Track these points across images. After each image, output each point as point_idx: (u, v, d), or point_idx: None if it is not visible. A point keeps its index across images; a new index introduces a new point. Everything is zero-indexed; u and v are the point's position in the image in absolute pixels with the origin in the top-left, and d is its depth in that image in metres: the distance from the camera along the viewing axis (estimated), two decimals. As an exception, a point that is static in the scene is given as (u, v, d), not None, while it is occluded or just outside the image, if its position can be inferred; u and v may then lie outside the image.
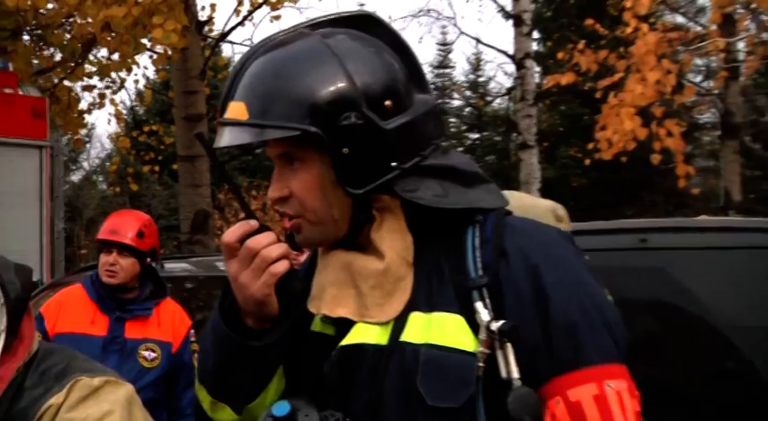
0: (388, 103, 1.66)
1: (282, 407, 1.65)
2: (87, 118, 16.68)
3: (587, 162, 12.89)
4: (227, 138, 1.68)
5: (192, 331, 4.83)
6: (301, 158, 1.68)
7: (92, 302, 4.66)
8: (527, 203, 1.93)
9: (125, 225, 4.70)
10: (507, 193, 2.00)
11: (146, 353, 4.61)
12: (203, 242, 11.78)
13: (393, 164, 1.66)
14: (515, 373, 1.55)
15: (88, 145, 28.19)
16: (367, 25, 1.77)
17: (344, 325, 1.68)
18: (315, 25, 1.76)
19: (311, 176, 1.68)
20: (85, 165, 29.33)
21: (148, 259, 4.74)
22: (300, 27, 1.75)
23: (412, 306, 1.64)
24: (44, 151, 10.05)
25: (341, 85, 1.64)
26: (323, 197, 1.68)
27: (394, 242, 1.67)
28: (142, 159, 18.02)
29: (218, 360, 1.74)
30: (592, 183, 20.47)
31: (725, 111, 15.32)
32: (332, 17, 1.78)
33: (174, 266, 6.93)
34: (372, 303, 1.66)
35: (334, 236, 1.71)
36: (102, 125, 48.32)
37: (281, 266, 1.66)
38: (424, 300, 1.64)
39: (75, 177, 27.16)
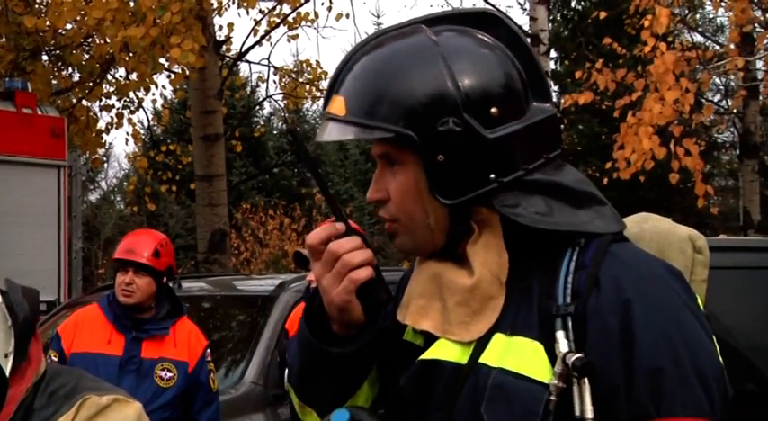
0: (494, 110, 1.55)
1: (341, 416, 1.60)
2: (105, 137, 16.75)
3: (605, 181, 12.85)
4: (326, 132, 1.61)
5: (209, 350, 4.82)
6: (400, 161, 1.59)
7: (108, 322, 4.65)
8: (664, 229, 1.80)
9: (141, 244, 4.69)
10: (644, 216, 1.89)
11: (162, 373, 4.60)
12: (220, 261, 11.79)
13: (491, 176, 1.55)
14: (589, 413, 1.43)
15: (106, 164, 28.29)
16: (488, 24, 1.65)
17: (433, 337, 1.60)
18: (430, 21, 1.64)
19: (408, 180, 1.58)
20: (103, 184, 29.42)
21: (165, 278, 4.73)
22: (414, 22, 1.64)
23: (497, 327, 1.54)
24: (62, 171, 10.08)
25: (441, 87, 1.53)
26: (419, 203, 1.58)
27: (488, 258, 1.56)
28: (159, 179, 18.03)
29: (302, 363, 1.69)
30: (610, 202, 20.36)
31: (744, 130, 15.29)
32: (450, 13, 1.67)
33: (192, 286, 6.93)
34: (456, 320, 1.56)
35: (430, 245, 1.61)
36: (120, 145, 48.58)
37: (363, 273, 1.58)
38: (509, 321, 1.53)
39: (93, 197, 27.22)
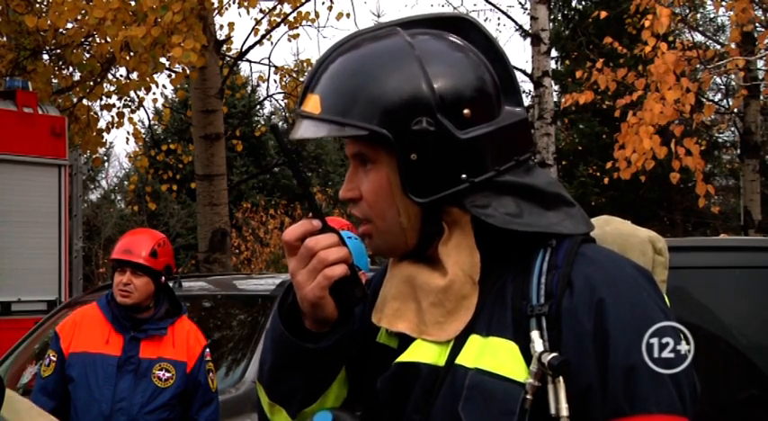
0: (466, 111, 1.58)
1: (324, 417, 1.62)
2: (106, 137, 16.72)
3: (606, 181, 12.84)
4: (301, 130, 1.64)
5: (208, 350, 4.81)
6: (373, 160, 1.62)
7: (107, 322, 4.65)
8: (625, 231, 1.84)
9: (138, 244, 4.69)
10: (606, 219, 1.93)
11: (160, 373, 4.59)
12: (221, 261, 11.78)
13: (463, 176, 1.58)
14: (564, 411, 1.46)
15: (106, 164, 28.30)
16: (462, 29, 1.68)
17: (407, 339, 1.63)
18: (406, 24, 1.67)
19: (380, 179, 1.62)
20: (104, 183, 29.43)
21: (163, 278, 4.72)
22: (390, 25, 1.67)
23: (472, 328, 1.57)
24: (63, 170, 10.09)
25: (416, 88, 1.57)
26: (391, 202, 1.62)
27: (460, 258, 1.59)
28: (160, 178, 18.05)
29: (274, 359, 1.70)
30: (611, 201, 20.41)
31: (744, 129, 15.27)
32: (426, 17, 1.69)
33: (192, 285, 6.93)
34: (431, 321, 1.59)
35: (403, 246, 1.64)
36: (121, 144, 48.52)
37: (337, 270, 1.60)
38: (485, 322, 1.56)
39: (94, 196, 27.23)
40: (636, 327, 1.49)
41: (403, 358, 1.61)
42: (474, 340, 1.56)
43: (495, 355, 1.53)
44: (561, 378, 1.47)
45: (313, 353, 1.65)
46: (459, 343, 1.57)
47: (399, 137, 1.57)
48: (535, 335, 1.51)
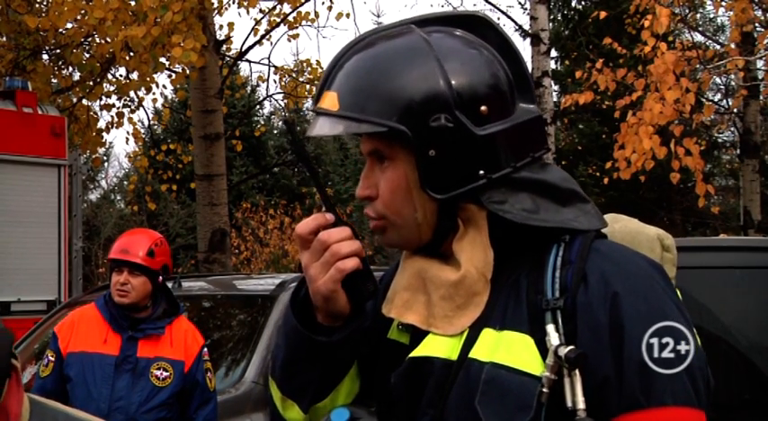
0: (483, 108, 1.60)
1: (341, 414, 1.63)
2: (105, 137, 16.71)
3: (606, 181, 12.84)
4: (317, 127, 1.65)
5: (206, 349, 4.81)
6: (390, 157, 1.63)
7: (104, 321, 4.65)
8: (633, 229, 1.85)
9: (136, 244, 4.69)
10: (614, 217, 1.94)
11: (157, 372, 4.59)
12: (221, 261, 11.78)
13: (481, 172, 1.60)
14: (581, 404, 1.47)
15: (106, 164, 28.29)
16: (476, 26, 1.69)
17: (419, 335, 1.64)
18: (421, 22, 1.68)
19: (398, 175, 1.62)
20: (103, 183, 29.40)
21: (160, 277, 4.73)
22: (405, 22, 1.68)
23: (485, 322, 1.58)
24: (63, 170, 10.08)
25: (434, 84, 1.58)
26: (408, 198, 1.63)
27: (474, 255, 1.61)
28: (160, 178, 18.05)
29: (286, 353, 1.71)
30: (610, 201, 20.38)
31: (744, 129, 15.26)
32: (440, 15, 1.71)
33: (192, 285, 6.93)
34: (440, 314, 1.61)
35: (417, 241, 1.65)
36: (120, 144, 48.51)
37: (350, 263, 1.61)
38: (499, 317, 1.58)
39: (93, 196, 27.20)
40: (650, 320, 1.51)
41: (416, 353, 1.62)
42: (487, 334, 1.57)
43: (510, 349, 1.54)
44: (578, 371, 1.48)
45: (326, 347, 1.66)
46: (471, 337, 1.58)
47: (417, 133, 1.58)
48: (551, 328, 1.52)
